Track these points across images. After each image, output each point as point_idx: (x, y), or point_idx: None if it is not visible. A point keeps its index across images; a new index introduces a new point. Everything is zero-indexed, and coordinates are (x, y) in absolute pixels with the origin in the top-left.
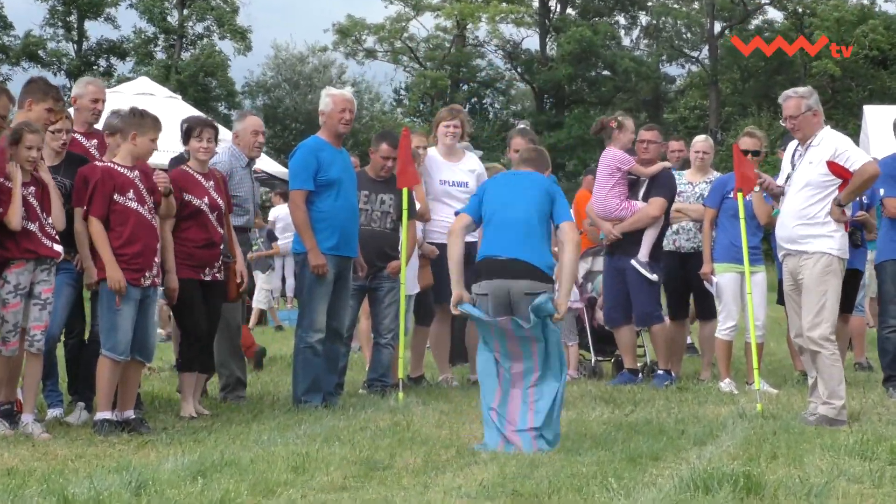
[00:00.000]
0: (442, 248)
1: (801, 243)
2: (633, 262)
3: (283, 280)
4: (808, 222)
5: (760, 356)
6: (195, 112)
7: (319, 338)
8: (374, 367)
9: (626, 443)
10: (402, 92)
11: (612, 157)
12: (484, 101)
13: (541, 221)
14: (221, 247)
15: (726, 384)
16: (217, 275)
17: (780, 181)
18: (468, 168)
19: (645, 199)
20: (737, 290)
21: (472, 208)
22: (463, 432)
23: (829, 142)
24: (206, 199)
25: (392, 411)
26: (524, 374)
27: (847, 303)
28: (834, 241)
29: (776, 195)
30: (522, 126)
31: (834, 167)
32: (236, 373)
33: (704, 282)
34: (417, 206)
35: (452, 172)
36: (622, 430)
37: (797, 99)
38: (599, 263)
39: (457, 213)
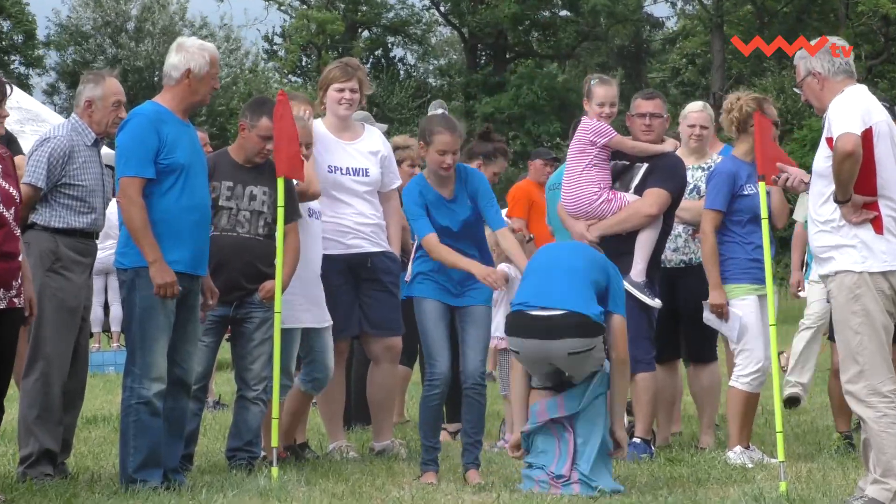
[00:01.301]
0: (328, 260)
1: (823, 260)
2: (624, 283)
3: (106, 308)
4: (824, 228)
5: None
6: None
7: (159, 389)
8: (237, 432)
9: None
10: (277, 40)
11: (584, 128)
12: (392, 54)
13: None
14: (20, 257)
15: (737, 454)
16: (14, 300)
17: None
18: (368, 149)
19: (639, 191)
20: (760, 320)
21: None
22: None
23: (830, 110)
24: None
25: (263, 494)
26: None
27: None
28: (857, 251)
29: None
30: (441, 112)
31: (832, 144)
32: (45, 442)
33: (709, 317)
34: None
35: (346, 155)
36: None
37: (798, 61)
38: None
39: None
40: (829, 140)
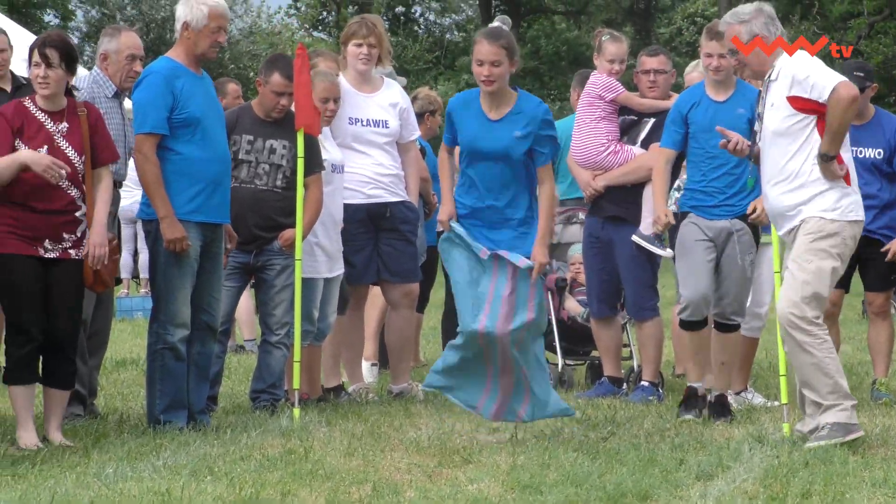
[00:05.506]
0: (349, 209)
1: (790, 218)
2: (634, 237)
3: (135, 255)
4: (790, 186)
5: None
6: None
7: (183, 335)
8: (261, 375)
9: (604, 477)
10: None
11: (593, 84)
12: (412, 9)
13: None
14: (78, 213)
15: (741, 396)
16: (70, 251)
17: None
18: (388, 101)
19: (646, 145)
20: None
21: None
22: (381, 463)
23: (786, 70)
24: (45, 148)
25: (285, 434)
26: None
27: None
28: (828, 200)
29: (755, 157)
30: (496, 24)
31: (798, 103)
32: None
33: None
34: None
35: (366, 108)
36: (599, 460)
37: (737, 26)
38: (573, 233)
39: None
40: (792, 99)
